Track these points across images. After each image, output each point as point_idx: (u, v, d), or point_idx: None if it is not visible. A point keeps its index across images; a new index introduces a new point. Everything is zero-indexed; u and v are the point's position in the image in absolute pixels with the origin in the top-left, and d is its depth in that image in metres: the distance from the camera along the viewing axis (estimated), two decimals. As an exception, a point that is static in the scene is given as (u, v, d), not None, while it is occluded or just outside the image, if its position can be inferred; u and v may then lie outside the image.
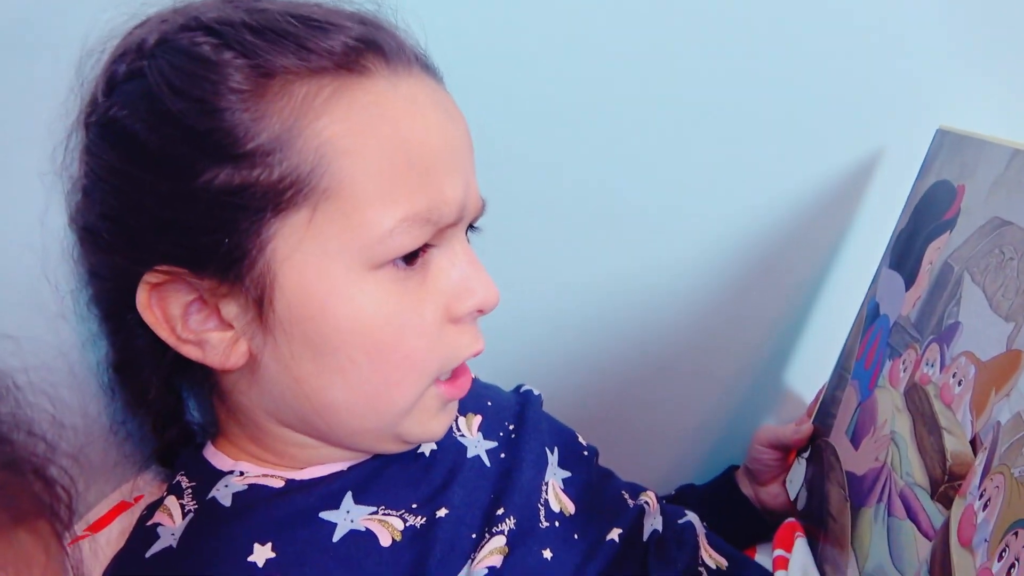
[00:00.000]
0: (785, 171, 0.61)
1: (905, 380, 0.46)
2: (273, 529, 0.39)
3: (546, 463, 0.50)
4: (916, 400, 0.44)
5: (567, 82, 0.58)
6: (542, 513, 0.46)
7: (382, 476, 0.43)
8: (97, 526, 0.43)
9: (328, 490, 0.42)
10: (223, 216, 0.36)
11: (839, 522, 0.50)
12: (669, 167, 0.61)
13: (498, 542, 0.43)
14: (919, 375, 0.45)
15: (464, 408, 0.50)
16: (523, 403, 0.53)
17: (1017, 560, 0.29)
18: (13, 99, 0.38)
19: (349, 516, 0.41)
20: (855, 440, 0.51)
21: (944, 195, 0.49)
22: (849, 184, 0.61)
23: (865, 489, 0.47)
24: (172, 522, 0.40)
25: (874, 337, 0.53)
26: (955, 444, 0.39)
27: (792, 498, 0.60)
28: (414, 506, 0.43)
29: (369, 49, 0.38)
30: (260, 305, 0.37)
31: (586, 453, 0.54)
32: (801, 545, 0.53)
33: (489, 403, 0.52)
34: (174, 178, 0.36)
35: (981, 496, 0.34)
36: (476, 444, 0.48)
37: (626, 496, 0.53)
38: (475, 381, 0.47)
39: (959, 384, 0.40)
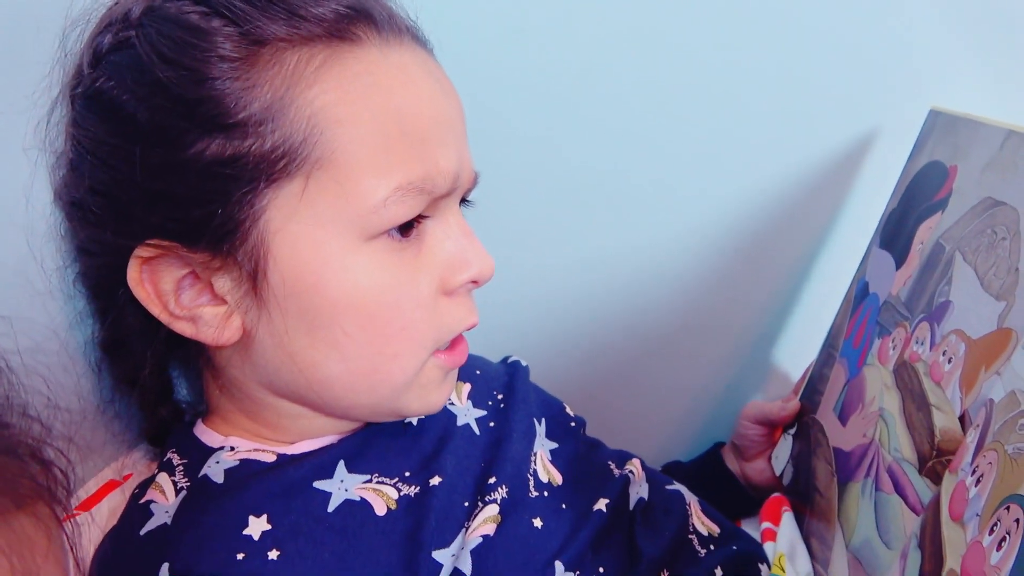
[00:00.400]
0: (778, 152, 0.61)
1: (895, 358, 0.47)
2: (267, 501, 0.39)
3: (534, 434, 0.50)
4: (905, 377, 0.45)
5: (556, 64, 0.58)
6: (531, 483, 0.46)
7: (373, 445, 0.43)
8: (86, 505, 0.43)
9: (320, 461, 0.41)
10: (215, 188, 0.36)
11: (826, 497, 0.51)
12: (660, 148, 0.61)
13: (491, 511, 0.43)
14: (909, 353, 0.45)
15: None
16: (511, 373, 0.54)
17: (1008, 533, 0.30)
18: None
19: (343, 485, 0.41)
20: (843, 417, 0.52)
21: (936, 175, 0.49)
22: (841, 165, 0.61)
23: (852, 464, 0.48)
24: (165, 499, 0.40)
25: (863, 316, 0.53)
26: (944, 420, 0.40)
27: (778, 474, 0.61)
28: (407, 474, 0.43)
29: (360, 17, 0.38)
30: (254, 278, 0.37)
31: (573, 424, 0.55)
32: (788, 519, 0.54)
33: (478, 372, 0.52)
34: (164, 149, 0.35)
35: (974, 472, 0.34)
36: (466, 412, 0.48)
37: (612, 466, 0.53)
38: None
39: (949, 362, 0.41)
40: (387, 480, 0.42)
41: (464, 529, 0.42)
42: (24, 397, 0.24)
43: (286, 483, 0.40)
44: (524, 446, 0.48)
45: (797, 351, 0.68)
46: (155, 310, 0.38)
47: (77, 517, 0.41)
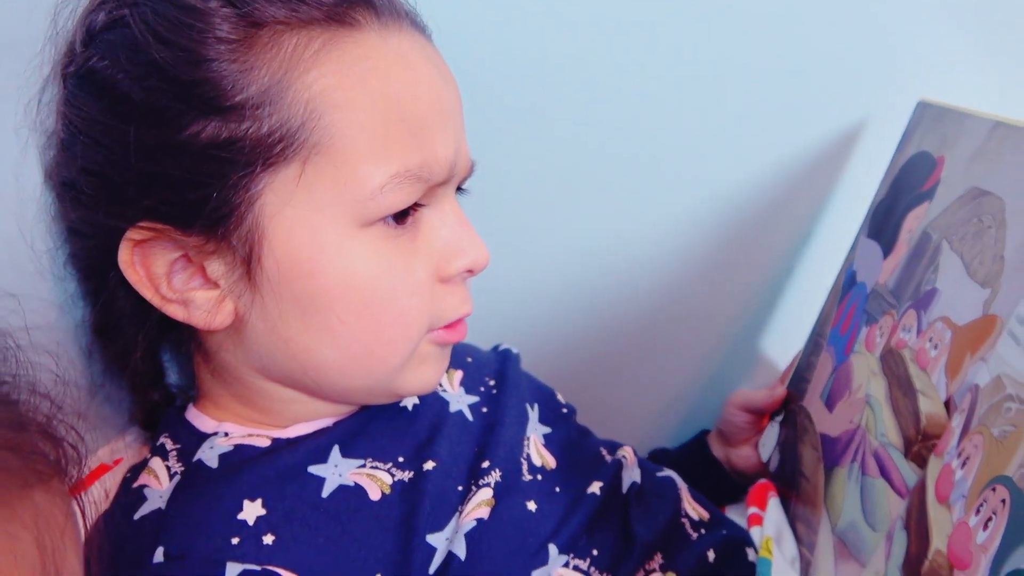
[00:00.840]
0: (767, 142, 0.62)
1: (881, 345, 0.48)
2: (262, 485, 0.39)
3: (527, 418, 0.50)
4: (892, 364, 0.46)
5: (548, 56, 0.58)
6: (525, 467, 0.47)
7: (367, 429, 0.43)
8: (76, 489, 0.42)
9: (315, 445, 0.41)
10: (210, 171, 0.35)
11: (812, 482, 0.52)
12: (648, 139, 0.61)
13: (485, 494, 0.43)
14: (895, 340, 0.46)
15: None
16: (502, 360, 0.54)
17: (995, 513, 0.31)
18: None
19: (337, 470, 0.41)
20: (830, 403, 0.53)
21: (924, 166, 0.50)
22: (830, 155, 0.62)
23: (839, 450, 0.49)
24: (159, 484, 0.39)
25: (851, 304, 0.54)
26: (929, 405, 0.41)
27: (764, 460, 0.62)
28: (401, 460, 0.43)
29: (359, 2, 0.37)
30: (248, 263, 0.37)
31: (564, 411, 0.55)
32: (775, 504, 0.55)
33: (469, 359, 0.53)
34: (159, 131, 0.35)
35: (959, 455, 0.35)
36: (458, 399, 0.49)
37: (604, 452, 0.54)
38: None
39: (935, 348, 0.42)
40: (381, 465, 0.42)
41: (458, 513, 0.42)
42: (33, 374, 0.24)
43: (281, 468, 0.40)
44: (517, 431, 0.48)
45: (785, 340, 0.69)
46: (146, 293, 0.37)
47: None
